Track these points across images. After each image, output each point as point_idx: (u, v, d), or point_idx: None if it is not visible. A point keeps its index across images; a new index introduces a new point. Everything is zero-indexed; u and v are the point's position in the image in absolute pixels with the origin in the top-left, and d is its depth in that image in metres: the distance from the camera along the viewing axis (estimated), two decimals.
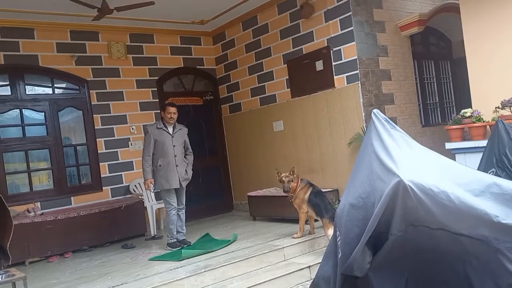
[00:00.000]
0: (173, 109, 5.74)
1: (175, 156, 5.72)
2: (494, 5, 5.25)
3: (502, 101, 5.01)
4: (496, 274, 1.97)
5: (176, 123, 5.85)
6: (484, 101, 5.32)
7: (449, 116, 7.09)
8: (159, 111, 7.91)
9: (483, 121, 5.21)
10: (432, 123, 7.42)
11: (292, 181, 5.46)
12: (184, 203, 5.89)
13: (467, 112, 5.34)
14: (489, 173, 3.81)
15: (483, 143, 4.64)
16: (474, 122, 5.25)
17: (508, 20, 5.15)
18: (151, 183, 5.65)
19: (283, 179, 5.47)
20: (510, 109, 4.96)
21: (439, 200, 2.03)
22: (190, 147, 5.99)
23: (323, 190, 5.90)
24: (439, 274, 2.20)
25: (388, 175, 2.14)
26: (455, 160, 5.13)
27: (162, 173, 5.64)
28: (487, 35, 5.36)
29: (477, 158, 4.48)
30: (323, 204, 5.28)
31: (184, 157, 5.90)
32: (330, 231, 4.88)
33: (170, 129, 5.76)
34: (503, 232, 1.97)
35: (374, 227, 2.13)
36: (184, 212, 5.90)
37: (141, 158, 5.77)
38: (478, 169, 4.09)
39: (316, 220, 5.58)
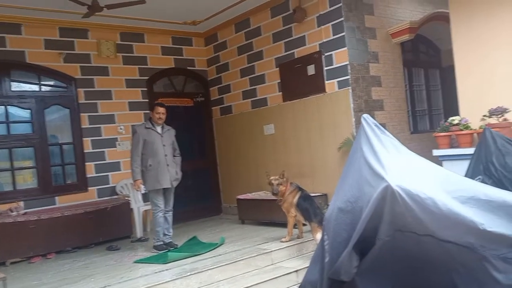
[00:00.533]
0: (162, 109, 5.69)
1: (166, 155, 5.66)
2: (483, 15, 5.30)
3: (489, 110, 5.04)
4: (481, 281, 1.97)
5: (164, 124, 5.80)
6: (472, 109, 5.35)
7: (438, 124, 7.13)
8: (148, 111, 7.83)
9: (471, 129, 5.23)
10: (421, 130, 7.46)
11: (281, 184, 5.44)
12: (171, 205, 5.83)
13: (455, 119, 5.37)
14: (476, 180, 3.82)
15: (470, 150, 4.65)
16: (461, 130, 5.28)
17: (497, 30, 5.20)
18: (141, 183, 5.57)
19: (272, 181, 5.46)
20: (497, 118, 5.00)
21: (426, 206, 2.03)
22: (178, 149, 5.94)
23: (312, 195, 5.90)
24: (425, 280, 2.19)
25: (377, 179, 2.13)
26: (442, 167, 5.15)
27: (153, 173, 5.57)
28: (476, 44, 5.40)
29: (464, 165, 4.49)
30: (312, 208, 5.27)
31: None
32: (319, 236, 4.86)
33: (159, 129, 5.71)
34: (489, 239, 1.96)
35: (361, 231, 2.11)
36: (171, 215, 5.84)
37: (130, 159, 5.68)
38: (465, 176, 4.10)
39: (304, 225, 5.56)
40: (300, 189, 5.47)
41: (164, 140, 5.69)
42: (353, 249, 2.16)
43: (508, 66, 5.13)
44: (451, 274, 2.13)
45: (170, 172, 5.64)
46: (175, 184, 5.74)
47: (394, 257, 2.24)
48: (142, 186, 5.60)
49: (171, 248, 5.65)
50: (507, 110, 4.97)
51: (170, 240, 5.79)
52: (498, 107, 5.01)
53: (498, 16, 5.18)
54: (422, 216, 2.06)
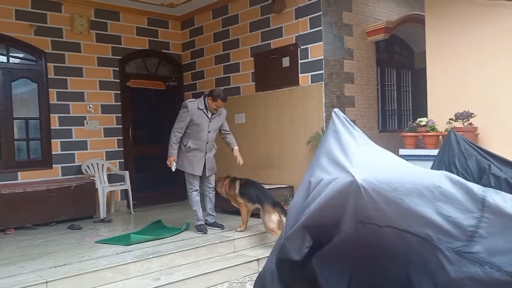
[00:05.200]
0: (223, 104, 5.46)
1: (207, 142, 5.48)
2: (458, 20, 5.44)
3: (456, 113, 5.20)
4: (433, 273, 2.03)
5: None
6: (440, 111, 5.52)
7: (406, 124, 7.32)
8: (119, 91, 7.72)
9: (437, 131, 5.39)
10: (389, 129, 7.63)
11: (222, 184, 5.64)
12: (213, 184, 5.67)
13: (423, 121, 5.52)
14: None
15: (435, 152, 4.80)
16: (428, 131, 5.43)
17: (470, 35, 5.35)
18: (174, 160, 5.37)
19: (218, 189, 5.70)
20: (463, 122, 5.17)
21: (390, 198, 2.05)
22: (229, 130, 5.77)
23: (278, 186, 6.01)
24: (382, 271, 2.25)
25: (338, 170, 2.15)
26: None
27: (189, 156, 5.39)
28: (448, 48, 5.55)
29: (427, 166, 4.59)
30: (259, 191, 5.36)
31: (224, 138, 5.76)
32: (274, 217, 4.99)
33: (209, 114, 5.47)
34: (446, 232, 2.01)
35: (315, 216, 2.12)
36: (214, 194, 5.69)
37: (171, 132, 5.43)
38: None
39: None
40: (235, 179, 5.58)
41: (211, 126, 5.47)
42: (306, 231, 2.19)
43: (478, 72, 5.30)
44: (407, 266, 2.19)
45: (207, 160, 5.48)
46: (209, 173, 5.56)
47: (354, 247, 2.28)
48: (174, 164, 5.37)
49: (217, 228, 5.57)
50: (472, 115, 5.14)
51: (214, 220, 5.70)
52: (464, 111, 5.18)
53: (472, 21, 5.32)
54: (385, 208, 2.08)
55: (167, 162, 5.44)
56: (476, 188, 2.04)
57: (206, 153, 5.49)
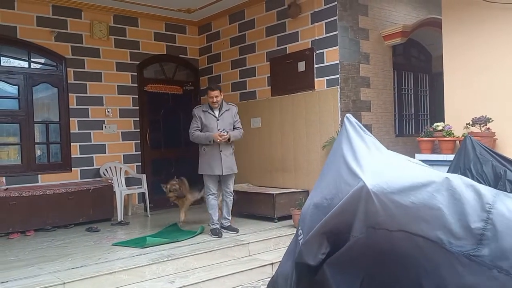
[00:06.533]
0: (214, 93, 5.48)
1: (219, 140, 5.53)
2: (475, 23, 5.37)
3: (473, 118, 5.13)
4: (444, 278, 2.03)
5: (224, 102, 5.66)
6: (457, 116, 5.44)
7: (423, 128, 7.24)
8: (137, 96, 7.84)
9: (453, 136, 5.33)
10: (406, 134, 7.56)
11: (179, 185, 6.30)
12: (231, 189, 5.71)
13: (439, 125, 5.46)
14: None
15: (451, 157, 4.74)
16: (444, 136, 5.36)
17: (486, 39, 5.28)
18: (219, 135, 5.39)
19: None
20: (480, 126, 5.09)
21: (401, 202, 2.05)
22: (240, 127, 5.76)
23: (293, 190, 6.20)
24: (394, 276, 2.25)
25: (354, 178, 2.17)
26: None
27: (206, 158, 5.52)
28: (465, 51, 5.48)
29: (443, 171, 4.57)
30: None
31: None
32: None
33: (216, 112, 5.57)
34: (455, 235, 2.00)
35: (331, 222, 2.14)
36: (231, 199, 5.75)
37: (189, 133, 5.61)
38: None
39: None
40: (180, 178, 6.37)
41: (220, 124, 5.53)
42: (326, 238, 2.20)
43: (496, 76, 5.22)
44: (419, 271, 2.18)
45: (223, 158, 5.51)
46: (225, 172, 5.54)
47: (365, 253, 2.28)
48: (224, 132, 5.43)
49: (232, 232, 5.64)
50: (490, 120, 5.07)
51: (229, 224, 5.78)
52: (482, 116, 5.10)
53: (489, 24, 5.24)
54: (396, 212, 2.08)
55: (216, 140, 5.41)
56: (486, 190, 2.03)
57: (221, 151, 5.52)
